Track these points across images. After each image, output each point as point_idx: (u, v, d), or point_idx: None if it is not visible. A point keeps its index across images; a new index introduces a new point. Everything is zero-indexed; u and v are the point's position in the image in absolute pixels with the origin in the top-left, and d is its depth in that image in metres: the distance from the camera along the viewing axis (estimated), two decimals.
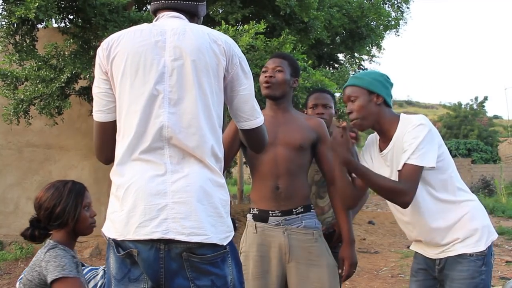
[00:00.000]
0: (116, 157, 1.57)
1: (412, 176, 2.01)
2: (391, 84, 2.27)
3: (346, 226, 2.41)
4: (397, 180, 2.07)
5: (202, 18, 1.80)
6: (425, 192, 2.14)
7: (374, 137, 2.35)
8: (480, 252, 2.09)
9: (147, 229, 1.46)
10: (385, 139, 2.24)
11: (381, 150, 2.28)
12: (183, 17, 1.69)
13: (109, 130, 1.62)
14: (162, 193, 1.49)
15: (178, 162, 1.54)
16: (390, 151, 2.20)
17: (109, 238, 1.55)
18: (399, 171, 2.05)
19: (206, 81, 1.57)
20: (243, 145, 2.46)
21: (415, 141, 2.02)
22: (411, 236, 2.29)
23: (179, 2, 1.70)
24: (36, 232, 2.07)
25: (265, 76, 2.46)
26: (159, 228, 1.46)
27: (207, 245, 1.50)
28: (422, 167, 2.02)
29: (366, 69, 15.30)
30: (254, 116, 1.72)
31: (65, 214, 2.05)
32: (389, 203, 2.21)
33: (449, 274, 2.13)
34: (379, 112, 2.20)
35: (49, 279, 1.92)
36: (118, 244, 1.53)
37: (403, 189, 2.00)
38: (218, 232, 1.54)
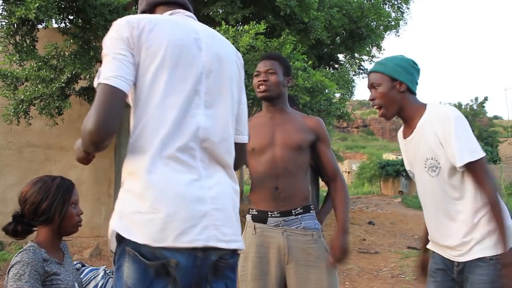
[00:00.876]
0: (143, 149, 1.42)
1: (485, 168, 2.02)
2: (418, 70, 2.20)
3: (343, 218, 2.40)
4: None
5: None
6: (445, 188, 2.09)
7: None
8: (500, 255, 2.00)
9: (189, 236, 1.38)
10: (409, 126, 2.20)
11: (405, 137, 2.25)
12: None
13: (122, 101, 1.40)
14: (201, 199, 1.44)
15: (208, 167, 1.50)
16: (414, 138, 2.16)
17: (129, 243, 1.37)
18: (473, 173, 2.02)
19: (235, 88, 1.61)
20: None
21: (463, 135, 2.01)
22: (432, 235, 2.25)
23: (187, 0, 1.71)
24: (19, 227, 1.97)
25: (259, 80, 2.46)
26: (201, 235, 1.40)
27: (233, 251, 1.53)
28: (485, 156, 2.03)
29: (366, 69, 15.30)
30: (246, 131, 1.73)
31: (51, 209, 1.96)
32: (421, 198, 2.21)
33: (468, 278, 2.06)
34: (402, 100, 2.15)
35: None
36: (144, 252, 1.36)
37: (493, 188, 2.01)
38: (242, 238, 1.58)
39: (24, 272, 1.81)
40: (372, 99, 2.19)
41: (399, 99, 2.14)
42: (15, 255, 1.90)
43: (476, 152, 1.99)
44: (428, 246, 2.34)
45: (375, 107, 2.19)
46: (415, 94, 2.19)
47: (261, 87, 2.45)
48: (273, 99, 2.47)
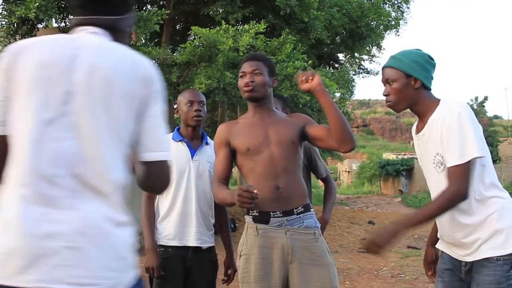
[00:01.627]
0: (4, 181, 1.35)
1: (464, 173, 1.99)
2: (433, 65, 2.17)
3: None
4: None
5: (127, 32, 1.64)
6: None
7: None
8: (507, 256, 1.96)
9: (26, 276, 1.23)
10: (422, 121, 2.18)
11: (417, 132, 2.23)
12: (103, 33, 1.52)
13: (2, 146, 1.35)
14: (51, 235, 1.26)
15: (75, 196, 1.32)
16: (425, 134, 2.14)
17: None
18: (452, 171, 2.00)
19: (119, 104, 1.40)
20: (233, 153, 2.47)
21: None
22: (440, 232, 2.23)
23: (99, 17, 1.52)
24: None
25: (245, 81, 2.44)
26: (40, 275, 1.24)
27: None
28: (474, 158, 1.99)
29: (366, 69, 15.31)
30: (160, 148, 1.47)
31: None
32: (431, 194, 2.18)
33: (475, 277, 2.02)
34: (416, 96, 2.12)
35: None
36: None
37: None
38: (121, 277, 1.35)
39: None
40: (386, 94, 2.17)
41: (413, 95, 2.12)
42: None
43: (465, 155, 1.96)
44: (437, 246, 2.31)
45: (388, 102, 2.17)
46: (430, 89, 2.16)
47: (247, 88, 2.43)
48: (259, 99, 2.47)
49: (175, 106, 6.65)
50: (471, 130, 1.97)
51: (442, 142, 2.03)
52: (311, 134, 2.43)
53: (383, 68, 2.21)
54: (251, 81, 2.43)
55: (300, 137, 2.44)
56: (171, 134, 2.80)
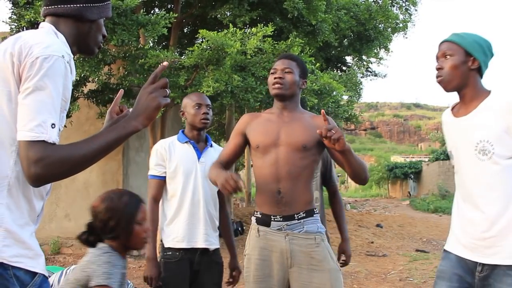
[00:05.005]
0: None
1: None
2: (492, 54, 2.08)
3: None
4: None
5: (98, 23, 1.60)
6: (492, 174, 1.98)
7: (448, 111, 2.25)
8: None
9: None
10: (466, 106, 2.08)
11: (458, 115, 2.13)
12: (48, 26, 1.50)
13: None
14: None
15: None
16: (469, 120, 2.05)
17: None
18: None
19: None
20: (249, 146, 2.47)
21: None
22: (461, 227, 2.10)
23: (58, 6, 1.52)
24: (92, 238, 2.06)
25: (275, 78, 2.43)
26: None
27: None
28: None
29: (374, 71, 15.28)
30: (24, 127, 1.28)
31: (118, 228, 2.03)
32: (459, 182, 2.10)
33: (495, 286, 1.93)
34: (469, 77, 2.03)
35: (92, 283, 1.93)
36: None
37: None
38: None
39: (112, 272, 1.96)
40: (439, 68, 2.08)
41: (466, 76, 2.03)
42: (93, 252, 2.03)
43: None
44: (446, 247, 2.20)
45: (439, 77, 2.08)
46: (482, 77, 2.08)
47: (276, 84, 2.42)
48: (286, 98, 2.45)
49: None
50: None
51: (504, 133, 1.94)
52: (332, 154, 2.37)
53: (441, 43, 2.12)
54: (281, 78, 2.42)
55: (318, 143, 2.37)
56: (176, 136, 2.82)
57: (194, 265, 2.67)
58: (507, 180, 1.97)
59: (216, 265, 2.76)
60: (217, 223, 2.82)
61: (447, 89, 2.09)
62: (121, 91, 1.81)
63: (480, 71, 2.05)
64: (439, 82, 2.08)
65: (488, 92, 2.05)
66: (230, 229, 3.02)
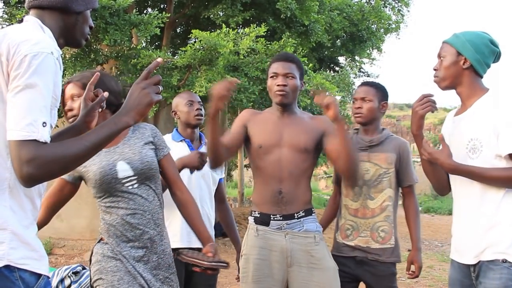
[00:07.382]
0: None
1: None
2: (493, 51, 2.09)
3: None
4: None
5: (82, 13, 1.56)
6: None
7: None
8: None
9: None
10: (464, 105, 2.12)
11: (456, 114, 2.18)
12: (33, 20, 1.47)
13: None
14: None
15: None
16: (465, 118, 2.09)
17: None
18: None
19: None
20: (246, 145, 2.47)
21: None
22: (458, 230, 2.14)
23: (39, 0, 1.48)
24: None
25: (278, 85, 2.37)
26: None
27: None
28: None
29: (367, 72, 15.32)
30: (13, 126, 1.26)
31: None
32: (452, 181, 2.14)
33: (482, 282, 1.98)
34: (462, 76, 2.07)
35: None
36: None
37: None
38: None
39: None
40: (435, 69, 2.15)
41: (459, 75, 2.07)
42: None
43: None
44: (451, 256, 2.23)
45: (435, 77, 2.15)
46: (481, 76, 2.10)
47: (280, 92, 2.36)
48: (289, 104, 2.44)
49: None
50: None
51: (490, 132, 1.96)
52: (326, 148, 2.38)
53: (441, 43, 2.18)
54: (284, 85, 2.36)
55: (317, 145, 2.40)
56: (170, 134, 2.81)
57: (189, 266, 2.67)
58: None
59: None
60: (213, 222, 2.81)
61: (441, 88, 2.15)
62: (97, 75, 1.77)
63: (475, 70, 2.07)
64: (435, 82, 2.16)
65: (486, 90, 2.08)
66: (234, 226, 3.01)
